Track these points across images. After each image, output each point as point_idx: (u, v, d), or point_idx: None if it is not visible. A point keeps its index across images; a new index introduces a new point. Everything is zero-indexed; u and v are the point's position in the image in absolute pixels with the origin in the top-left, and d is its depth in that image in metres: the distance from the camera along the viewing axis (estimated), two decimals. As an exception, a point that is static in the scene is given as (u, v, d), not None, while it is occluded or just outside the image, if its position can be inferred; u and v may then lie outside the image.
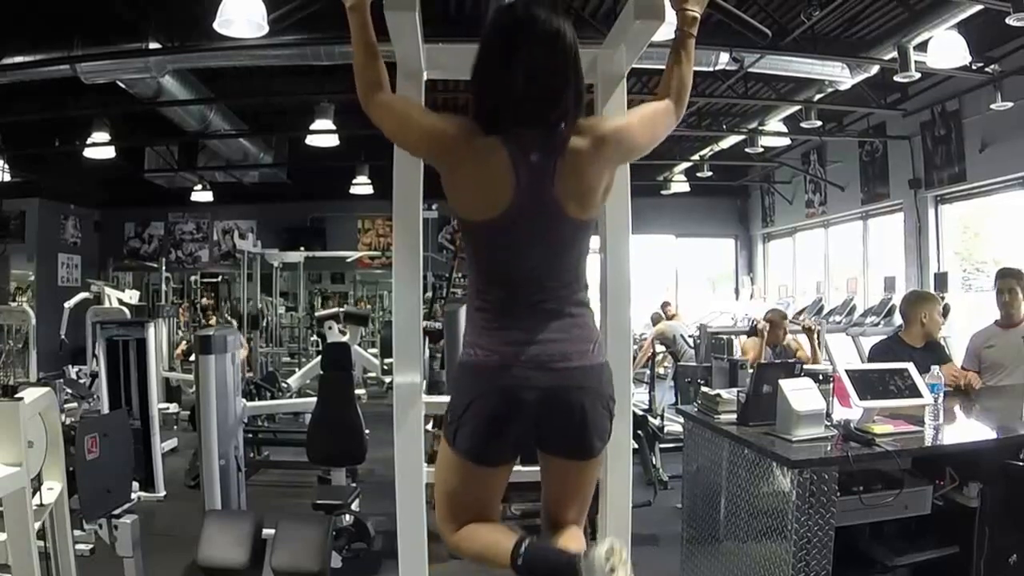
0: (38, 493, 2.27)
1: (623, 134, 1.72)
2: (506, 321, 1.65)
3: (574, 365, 1.63)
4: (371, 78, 1.69)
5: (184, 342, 8.71)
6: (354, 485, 4.37)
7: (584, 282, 1.73)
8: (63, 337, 8.31)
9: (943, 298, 6.50)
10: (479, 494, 1.72)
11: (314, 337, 10.73)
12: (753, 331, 5.65)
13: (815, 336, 5.35)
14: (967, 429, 3.17)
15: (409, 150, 1.81)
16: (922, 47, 5.43)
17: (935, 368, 3.03)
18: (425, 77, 2.18)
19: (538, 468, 1.78)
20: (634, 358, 7.90)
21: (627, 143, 1.74)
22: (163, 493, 5.00)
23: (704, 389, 3.60)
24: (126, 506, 2.87)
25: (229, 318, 9.53)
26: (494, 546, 1.65)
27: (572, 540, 1.71)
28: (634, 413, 3.20)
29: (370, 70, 1.70)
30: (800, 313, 7.84)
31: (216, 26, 4.27)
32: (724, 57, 6.00)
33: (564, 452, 1.69)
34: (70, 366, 6.60)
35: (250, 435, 5.60)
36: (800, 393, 2.65)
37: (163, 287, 10.05)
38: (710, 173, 11.38)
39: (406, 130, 1.72)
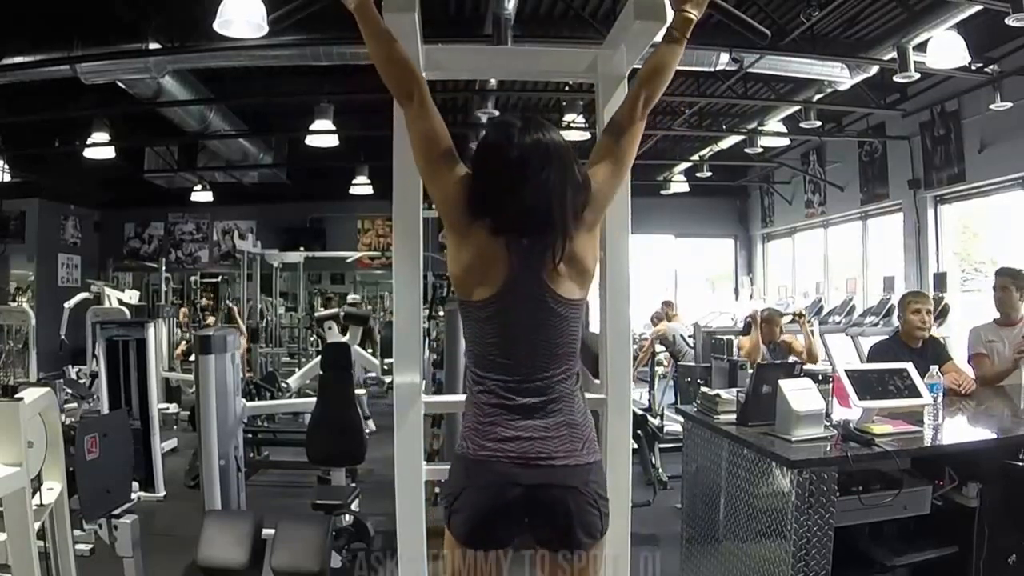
0: (38, 493, 2.26)
1: (599, 196, 1.75)
2: (498, 417, 1.70)
3: (559, 464, 1.68)
4: (408, 69, 1.73)
5: (184, 342, 8.71)
6: (353, 485, 4.37)
7: (576, 369, 1.77)
8: (63, 337, 8.30)
9: (941, 298, 6.52)
10: (475, 572, 1.76)
11: (313, 337, 10.72)
12: (748, 327, 5.67)
13: (805, 323, 5.36)
14: (966, 429, 3.18)
15: (420, 176, 1.82)
16: (921, 47, 5.43)
17: (934, 368, 3.03)
18: (425, 78, 2.18)
19: None
20: (636, 358, 7.92)
21: (600, 204, 1.77)
22: (163, 493, 5.00)
23: (703, 389, 3.60)
24: (126, 506, 2.87)
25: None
26: None
27: None
28: (634, 413, 3.20)
29: (402, 62, 1.73)
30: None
31: (216, 27, 4.27)
32: (724, 57, 6.00)
33: (551, 546, 1.74)
34: (70, 366, 6.61)
35: (250, 435, 5.60)
36: (799, 393, 2.66)
37: (163, 287, 10.04)
38: (709, 173, 11.37)
39: (429, 171, 1.75)
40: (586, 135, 7.28)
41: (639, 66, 2.25)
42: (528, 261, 1.67)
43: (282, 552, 3.06)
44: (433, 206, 1.84)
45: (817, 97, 7.24)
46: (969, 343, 3.99)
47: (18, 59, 5.65)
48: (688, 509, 3.27)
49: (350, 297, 10.70)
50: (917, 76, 5.86)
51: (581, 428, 1.73)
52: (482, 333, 1.73)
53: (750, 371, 3.70)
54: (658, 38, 2.02)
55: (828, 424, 2.69)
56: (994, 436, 2.89)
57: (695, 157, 10.66)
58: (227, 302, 9.58)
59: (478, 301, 1.71)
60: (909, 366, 2.89)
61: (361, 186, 9.96)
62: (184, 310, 10.48)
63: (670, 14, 1.88)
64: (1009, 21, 4.45)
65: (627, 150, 1.81)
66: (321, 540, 3.11)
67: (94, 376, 5.79)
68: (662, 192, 11.64)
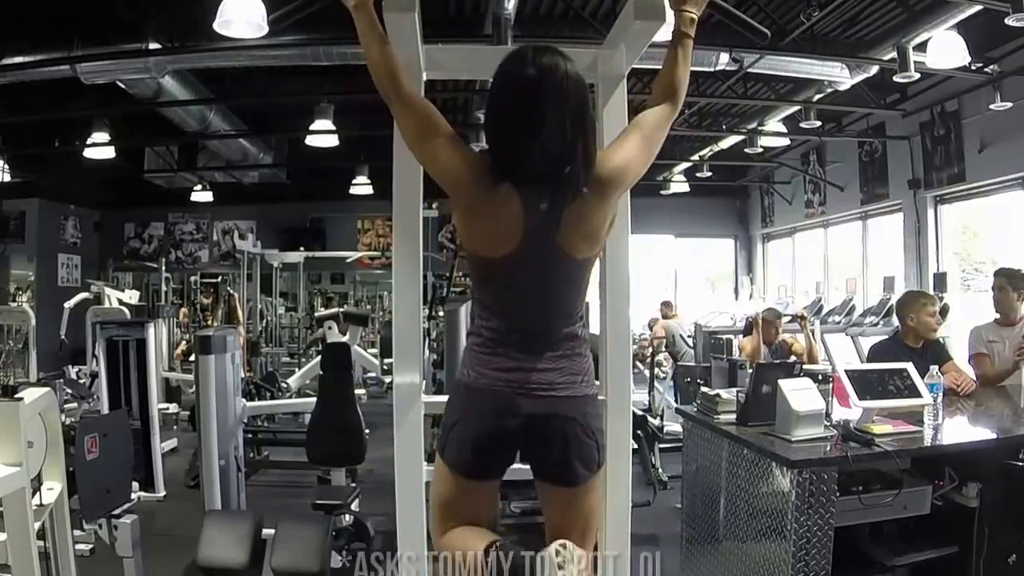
0: (38, 493, 2.26)
1: (622, 172, 1.74)
2: (500, 349, 1.71)
3: (560, 395, 1.69)
4: (390, 72, 1.71)
5: (184, 342, 8.71)
6: (353, 485, 4.37)
7: (580, 313, 1.78)
8: (63, 337, 8.30)
9: (941, 298, 6.53)
10: (465, 503, 1.77)
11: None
12: (748, 329, 5.66)
13: (806, 325, 5.37)
14: (966, 429, 3.18)
15: (425, 168, 1.81)
16: (921, 47, 5.43)
17: (934, 368, 3.03)
18: (425, 78, 2.18)
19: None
20: (642, 357, 7.86)
21: (629, 178, 1.77)
22: (163, 493, 5.00)
23: (703, 389, 3.60)
24: (126, 506, 2.87)
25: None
26: (470, 548, 1.71)
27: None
28: (634, 413, 3.20)
29: (388, 64, 1.72)
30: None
31: (216, 27, 4.27)
32: (724, 57, 6.00)
33: (549, 478, 1.76)
34: (70, 366, 6.61)
35: (250, 435, 5.60)
36: (799, 393, 2.66)
37: (163, 287, 10.04)
38: (709, 173, 11.37)
39: (430, 158, 1.73)
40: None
41: (639, 66, 2.25)
42: (543, 226, 1.66)
43: (282, 552, 3.06)
44: (435, 205, 1.85)
45: (817, 97, 7.24)
46: (970, 343, 4.00)
47: (18, 59, 5.65)
48: (688, 509, 3.27)
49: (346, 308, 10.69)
50: (917, 76, 5.86)
51: (582, 363, 1.75)
52: (490, 284, 1.76)
53: (750, 371, 3.70)
54: (659, 38, 2.02)
55: (828, 424, 2.70)
56: (994, 436, 2.89)
57: (695, 157, 10.66)
58: (227, 288, 9.58)
59: (487, 258, 1.71)
60: (909, 366, 2.89)
61: (361, 186, 9.95)
62: (184, 310, 10.48)
63: (670, 14, 1.89)
64: (1009, 21, 4.45)
65: (657, 136, 1.80)
66: (321, 540, 3.11)
67: (94, 376, 5.79)
68: (662, 192, 11.64)
